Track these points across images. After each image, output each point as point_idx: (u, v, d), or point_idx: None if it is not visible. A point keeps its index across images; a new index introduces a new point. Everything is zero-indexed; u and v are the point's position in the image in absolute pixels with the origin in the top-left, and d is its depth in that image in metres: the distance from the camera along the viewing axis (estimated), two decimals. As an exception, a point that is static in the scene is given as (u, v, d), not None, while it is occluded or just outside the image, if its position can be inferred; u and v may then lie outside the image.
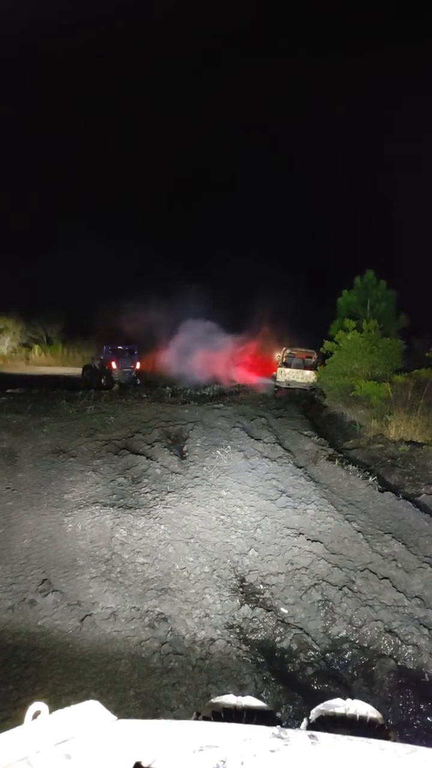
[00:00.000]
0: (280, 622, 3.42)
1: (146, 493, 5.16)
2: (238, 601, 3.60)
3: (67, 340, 27.43)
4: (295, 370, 14.99)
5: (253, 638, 3.31)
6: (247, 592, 3.80)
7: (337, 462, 6.60)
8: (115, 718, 0.87)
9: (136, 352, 17.20)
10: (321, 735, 0.83)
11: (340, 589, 3.73)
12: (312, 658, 3.13)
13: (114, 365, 16.14)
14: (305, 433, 8.41)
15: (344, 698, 1.07)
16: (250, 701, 1.05)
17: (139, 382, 16.27)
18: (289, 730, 0.83)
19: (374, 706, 1.07)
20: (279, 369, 15.14)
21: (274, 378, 15.51)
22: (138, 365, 16.96)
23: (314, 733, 0.83)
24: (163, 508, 4.79)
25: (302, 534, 4.53)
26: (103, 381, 15.71)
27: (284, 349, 16.18)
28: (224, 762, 0.73)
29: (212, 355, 20.48)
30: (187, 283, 23.48)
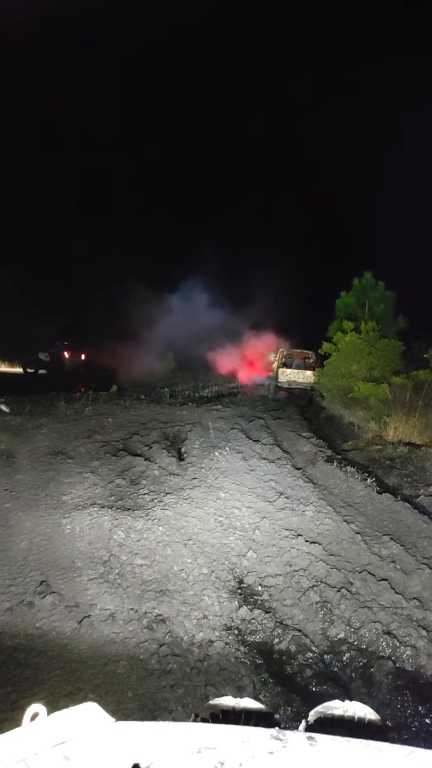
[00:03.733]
0: (278, 624, 3.42)
1: (144, 494, 5.15)
2: (236, 602, 3.59)
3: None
4: (296, 371, 15.14)
5: (251, 640, 3.30)
6: (245, 594, 3.80)
7: (335, 463, 6.60)
8: (113, 720, 0.87)
9: (80, 346, 20.90)
10: (319, 737, 0.83)
11: (339, 591, 3.73)
12: (310, 660, 3.13)
13: (66, 355, 19.84)
14: (303, 434, 8.41)
15: (342, 700, 1.07)
16: (249, 703, 1.05)
17: (83, 370, 19.57)
18: (287, 732, 0.83)
19: (372, 707, 1.07)
20: (280, 370, 15.26)
21: (275, 379, 15.57)
22: (83, 356, 20.68)
23: (313, 734, 0.83)
24: (162, 509, 4.78)
25: (301, 535, 4.53)
26: (41, 371, 19.49)
27: (282, 350, 16.22)
28: (222, 764, 0.73)
29: (203, 346, 20.78)
30: (184, 282, 23.52)
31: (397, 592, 3.75)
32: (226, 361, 20.52)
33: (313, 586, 3.81)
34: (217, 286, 23.41)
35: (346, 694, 2.85)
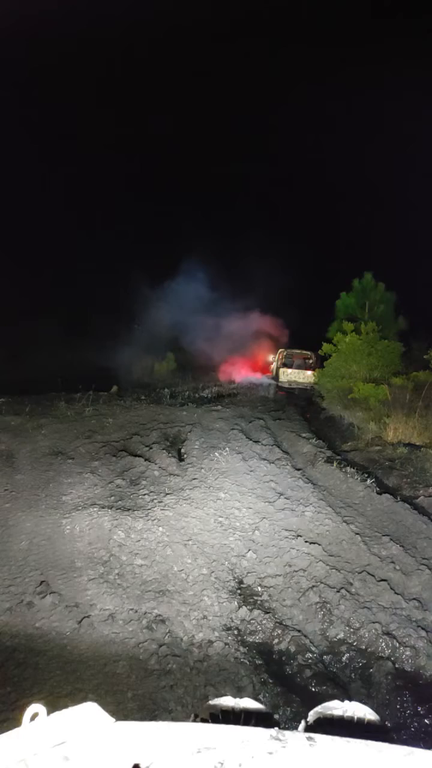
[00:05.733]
0: (278, 624, 3.42)
1: (144, 494, 5.15)
2: (236, 603, 3.59)
3: (65, 343, 27.35)
4: (296, 371, 15.35)
5: (251, 640, 3.31)
6: (245, 594, 3.80)
7: (335, 464, 6.60)
8: (113, 720, 0.87)
9: None
10: (319, 737, 0.83)
11: (338, 591, 3.73)
12: (310, 660, 3.13)
13: None
14: (303, 435, 8.41)
15: (342, 700, 1.08)
16: (248, 703, 1.05)
17: None
18: (287, 732, 0.83)
19: (372, 708, 1.07)
20: (281, 369, 15.49)
21: (276, 378, 15.71)
22: None
23: (312, 735, 0.83)
24: (162, 510, 4.78)
25: (300, 536, 4.53)
26: None
27: (281, 350, 16.34)
28: (222, 764, 0.74)
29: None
30: (181, 284, 23.44)
31: (396, 593, 3.75)
32: (224, 361, 20.50)
33: (313, 586, 3.81)
34: (215, 286, 23.38)
35: (346, 695, 2.85)
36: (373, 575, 3.96)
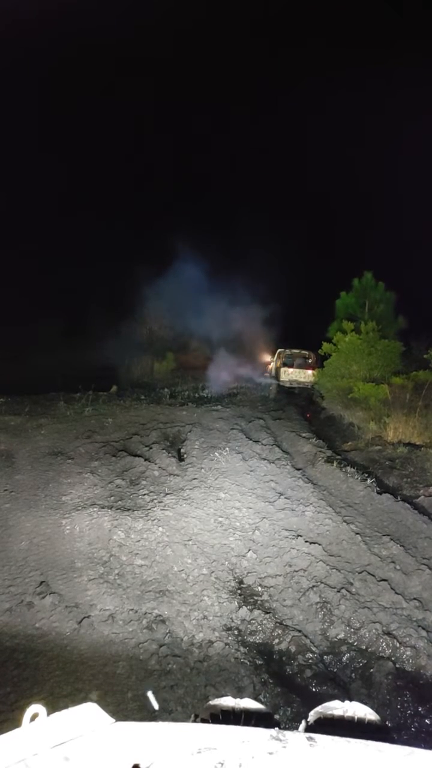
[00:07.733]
0: (278, 624, 3.42)
1: (144, 495, 5.15)
2: (236, 603, 3.59)
3: (65, 343, 27.33)
4: (297, 370, 15.49)
5: (251, 640, 3.30)
6: (245, 594, 3.80)
7: (335, 464, 6.60)
8: (113, 720, 0.87)
9: None
10: (319, 737, 0.83)
11: (339, 591, 3.73)
12: (310, 660, 3.13)
13: None
14: (303, 435, 8.40)
15: (342, 700, 1.07)
16: (248, 703, 1.05)
17: None
18: (287, 732, 0.83)
19: (372, 708, 1.07)
20: (282, 369, 15.61)
21: (276, 378, 15.82)
22: None
23: (312, 735, 0.83)
24: (161, 510, 4.78)
25: (300, 536, 4.53)
26: None
27: (279, 351, 16.43)
28: (222, 764, 0.74)
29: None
30: (176, 286, 23.30)
31: (397, 593, 3.75)
32: (221, 362, 20.45)
33: (313, 586, 3.81)
34: (213, 285, 23.28)
35: (346, 695, 2.85)
36: (373, 575, 3.96)
